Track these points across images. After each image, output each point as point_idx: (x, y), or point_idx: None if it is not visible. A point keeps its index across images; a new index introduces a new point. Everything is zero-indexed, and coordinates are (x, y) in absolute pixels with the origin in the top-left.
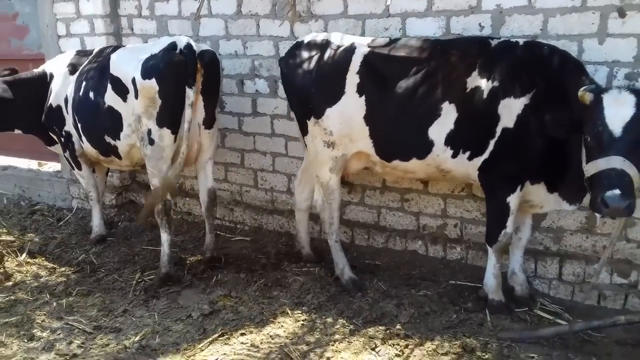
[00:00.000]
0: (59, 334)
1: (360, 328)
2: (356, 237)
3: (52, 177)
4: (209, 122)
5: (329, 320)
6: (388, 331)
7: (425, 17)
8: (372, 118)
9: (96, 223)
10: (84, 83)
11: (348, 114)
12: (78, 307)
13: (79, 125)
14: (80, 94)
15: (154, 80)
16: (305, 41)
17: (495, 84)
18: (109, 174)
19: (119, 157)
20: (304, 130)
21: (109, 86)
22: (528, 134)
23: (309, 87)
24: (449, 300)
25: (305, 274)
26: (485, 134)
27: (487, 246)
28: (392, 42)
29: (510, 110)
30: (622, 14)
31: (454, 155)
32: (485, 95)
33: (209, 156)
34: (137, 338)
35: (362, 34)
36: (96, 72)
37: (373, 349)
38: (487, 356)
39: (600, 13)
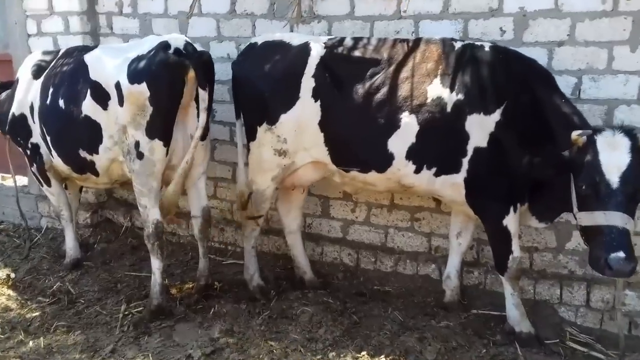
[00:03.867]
0: None
1: None
2: (362, 260)
3: (18, 193)
4: (202, 133)
5: (348, 359)
6: None
7: (441, 20)
8: (328, 124)
9: (70, 245)
10: (51, 89)
11: (303, 120)
12: (58, 347)
13: (48, 138)
14: (48, 102)
15: (144, 84)
16: (259, 42)
17: (460, 96)
18: (83, 189)
19: (96, 174)
20: (251, 136)
21: (88, 92)
22: (506, 153)
23: (263, 91)
24: (474, 332)
25: (313, 303)
26: (455, 151)
27: (499, 275)
28: (351, 41)
29: (481, 127)
30: None
31: (417, 171)
32: (448, 109)
33: (202, 171)
34: None
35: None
36: (66, 76)
37: None
38: None
39: (633, 19)
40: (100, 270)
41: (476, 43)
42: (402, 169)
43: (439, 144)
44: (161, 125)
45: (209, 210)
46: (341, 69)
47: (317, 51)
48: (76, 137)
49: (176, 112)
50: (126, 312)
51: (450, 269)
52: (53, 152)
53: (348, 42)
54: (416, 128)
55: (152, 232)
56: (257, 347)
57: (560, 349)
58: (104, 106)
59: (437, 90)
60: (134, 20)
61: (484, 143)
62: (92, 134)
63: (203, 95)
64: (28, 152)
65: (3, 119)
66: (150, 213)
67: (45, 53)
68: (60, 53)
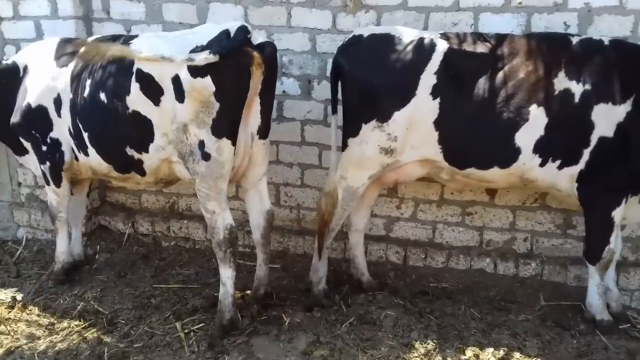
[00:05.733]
0: None
1: None
2: (410, 257)
3: None
4: (264, 131)
5: None
6: None
7: (503, 13)
8: (446, 123)
9: (62, 249)
10: (88, 81)
11: (416, 118)
12: None
13: (86, 134)
14: (85, 95)
15: (208, 78)
16: (366, 35)
17: (587, 87)
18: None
19: (142, 174)
20: (352, 132)
21: (135, 85)
22: (633, 143)
23: (377, 87)
24: (555, 324)
25: (389, 306)
26: (578, 142)
27: (588, 264)
28: (464, 36)
29: (608, 117)
30: None
31: (542, 164)
32: (576, 100)
33: (263, 172)
34: None
35: (425, 29)
36: (106, 67)
37: None
38: None
39: None
40: (121, 285)
41: (594, 37)
42: (527, 163)
43: (565, 136)
44: (229, 123)
45: (272, 214)
46: (464, 65)
47: (441, 47)
48: (122, 133)
49: (243, 108)
50: (186, 330)
51: (608, 280)
52: (90, 149)
53: (462, 36)
54: (545, 120)
55: (225, 239)
56: (355, 358)
57: (636, 333)
58: (156, 102)
59: (564, 82)
60: (138, 4)
61: (610, 133)
62: (141, 131)
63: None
64: (44, 147)
65: None
66: (219, 218)
67: (66, 40)
68: (90, 42)
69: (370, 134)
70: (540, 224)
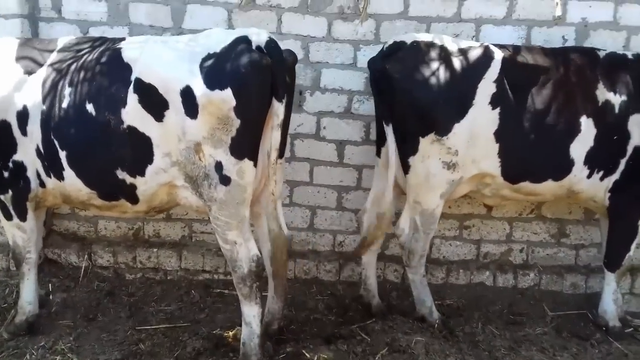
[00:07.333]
0: None
1: None
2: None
3: None
4: (281, 149)
5: None
6: None
7: (504, 25)
8: (506, 134)
9: (29, 298)
10: (67, 89)
11: (476, 129)
12: None
13: (63, 153)
14: (65, 105)
15: (229, 91)
16: (409, 42)
17: (624, 98)
18: None
19: (134, 201)
20: (411, 149)
21: (132, 97)
22: None
23: (433, 98)
24: (571, 334)
25: (413, 331)
26: (617, 152)
27: (607, 271)
28: (510, 46)
29: None
30: None
31: (589, 176)
32: (616, 110)
33: (279, 193)
34: None
35: None
36: (93, 73)
37: None
38: None
39: None
40: (94, 330)
41: (617, 52)
42: (578, 174)
43: (608, 146)
44: (250, 142)
45: (290, 240)
46: (518, 75)
47: (499, 55)
48: (114, 153)
49: (264, 125)
50: None
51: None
52: (67, 172)
53: (509, 47)
54: (594, 131)
55: (251, 272)
56: None
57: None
58: (158, 117)
59: (604, 93)
60: (98, 3)
61: None
62: (138, 150)
63: (278, 108)
64: (5, 174)
65: None
66: (242, 249)
67: (29, 41)
68: (64, 44)
69: (430, 147)
70: (535, 234)
